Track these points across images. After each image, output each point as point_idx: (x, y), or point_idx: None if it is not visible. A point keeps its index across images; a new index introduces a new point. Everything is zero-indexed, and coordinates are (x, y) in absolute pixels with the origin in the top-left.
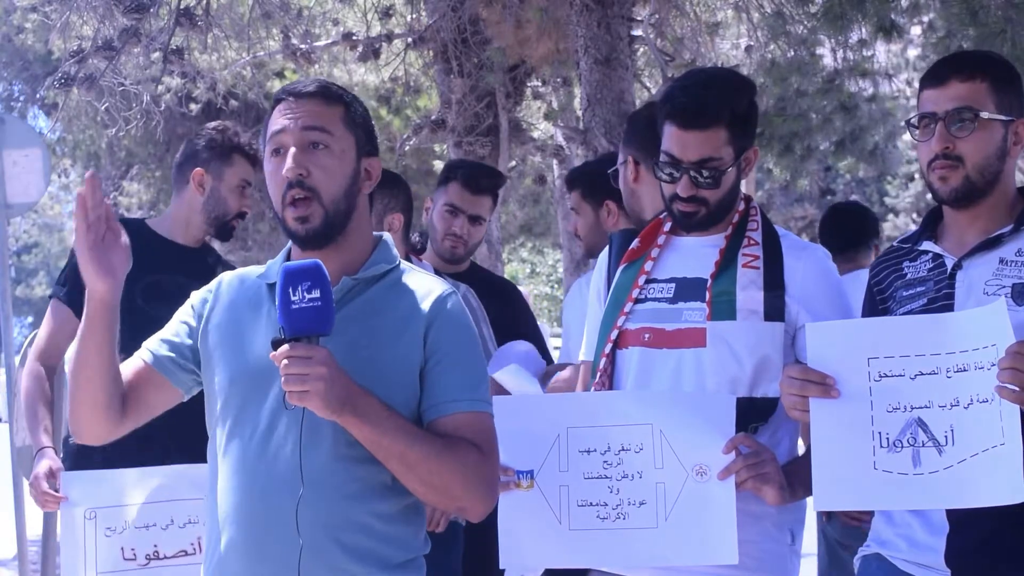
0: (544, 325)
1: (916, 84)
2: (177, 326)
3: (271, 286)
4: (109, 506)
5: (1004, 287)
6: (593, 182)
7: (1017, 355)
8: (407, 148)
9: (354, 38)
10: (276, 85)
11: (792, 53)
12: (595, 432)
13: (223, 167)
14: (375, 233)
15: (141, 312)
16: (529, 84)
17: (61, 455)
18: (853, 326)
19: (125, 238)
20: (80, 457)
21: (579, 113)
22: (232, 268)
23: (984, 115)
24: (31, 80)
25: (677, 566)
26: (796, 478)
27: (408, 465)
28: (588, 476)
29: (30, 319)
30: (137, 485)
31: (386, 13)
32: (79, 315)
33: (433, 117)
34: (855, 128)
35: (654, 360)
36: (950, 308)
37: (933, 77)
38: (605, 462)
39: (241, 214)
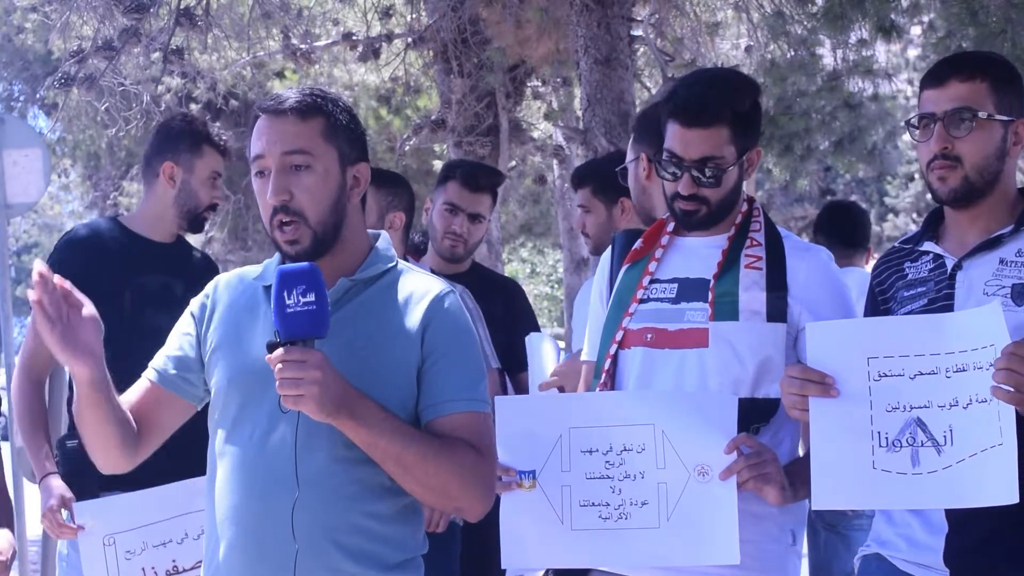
0: (544, 325)
1: (916, 84)
2: (180, 339)
3: (267, 288)
4: (125, 530)
5: (1004, 287)
6: (606, 179)
7: (1012, 356)
8: (407, 148)
9: (354, 38)
10: (276, 85)
11: (792, 53)
12: (597, 432)
13: (193, 159)
14: (372, 232)
15: (130, 317)
16: (529, 84)
17: (57, 457)
18: (853, 326)
19: (89, 308)
20: (78, 461)
21: (579, 113)
22: (208, 258)
23: (983, 115)
24: (31, 80)
25: (679, 566)
26: (798, 478)
27: (405, 467)
28: (590, 476)
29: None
30: (149, 505)
31: (386, 13)
32: None
33: (433, 117)
34: (855, 128)
35: (656, 360)
36: (950, 308)
37: (933, 77)
38: (607, 462)
39: (212, 206)
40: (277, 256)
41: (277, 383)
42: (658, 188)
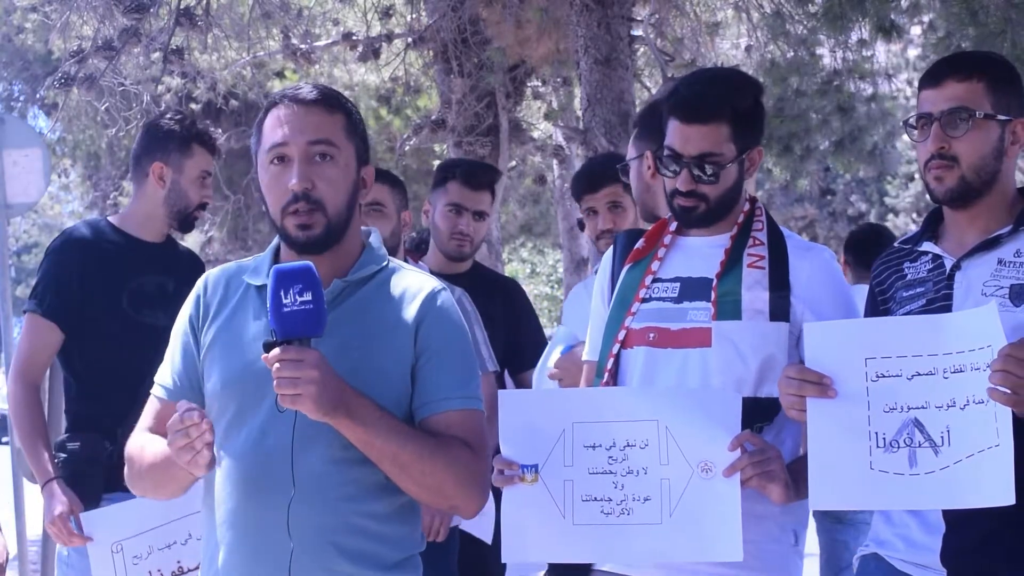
0: (544, 325)
1: (916, 84)
2: (180, 349)
3: (259, 288)
4: (132, 536)
5: (1002, 288)
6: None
7: (1008, 357)
8: (407, 148)
9: (354, 38)
10: (276, 85)
11: (792, 53)
12: (600, 428)
13: (183, 159)
14: (363, 229)
15: (129, 318)
16: (529, 84)
17: (57, 459)
18: (851, 326)
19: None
20: (80, 463)
21: (579, 113)
22: (192, 254)
23: (980, 115)
24: (31, 80)
25: (681, 563)
26: (801, 476)
27: (401, 466)
28: (593, 471)
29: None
30: (153, 510)
31: (386, 13)
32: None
33: (433, 117)
34: (854, 128)
35: (659, 360)
36: (948, 309)
37: (930, 77)
38: (610, 458)
39: (203, 205)
40: (268, 254)
41: (275, 383)
42: (662, 186)
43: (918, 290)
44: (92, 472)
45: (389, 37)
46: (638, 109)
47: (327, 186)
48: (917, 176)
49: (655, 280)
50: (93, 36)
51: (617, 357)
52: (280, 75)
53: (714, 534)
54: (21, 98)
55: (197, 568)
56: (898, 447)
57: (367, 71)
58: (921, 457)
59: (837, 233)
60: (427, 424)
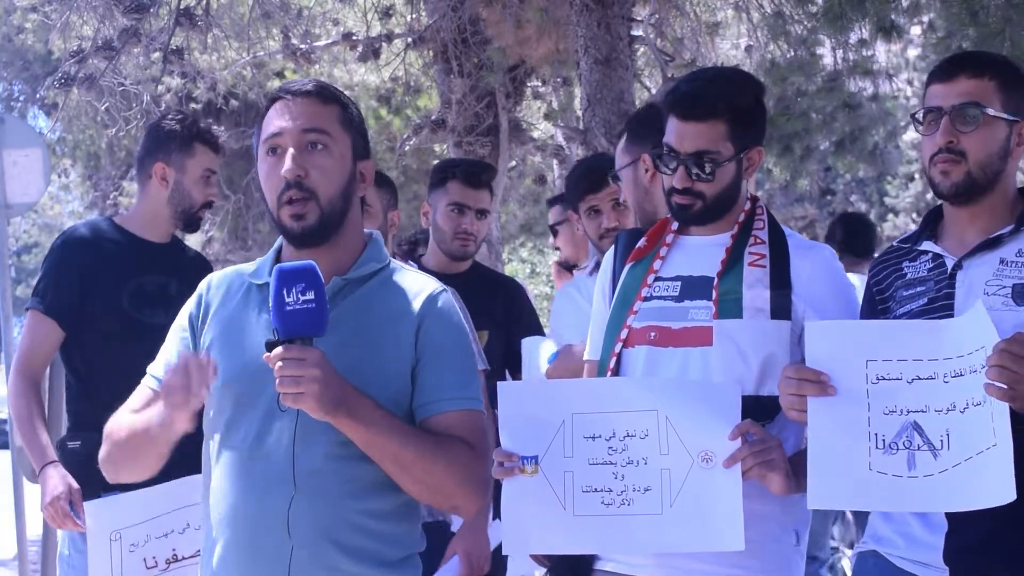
0: (545, 324)
1: (916, 84)
2: (177, 344)
3: (261, 287)
4: (131, 525)
5: (1005, 287)
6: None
7: (1004, 353)
8: (407, 148)
9: (354, 38)
10: (276, 85)
11: (792, 53)
12: (600, 418)
13: (185, 159)
14: (364, 231)
15: (129, 317)
16: (529, 84)
17: (57, 458)
18: (853, 327)
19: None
20: (80, 463)
21: (579, 113)
22: (201, 257)
23: (990, 112)
24: (31, 80)
25: (681, 558)
26: (801, 468)
27: (402, 465)
28: (593, 462)
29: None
30: (154, 501)
31: (386, 13)
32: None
33: (433, 117)
34: (855, 128)
35: (660, 358)
36: (950, 308)
37: (942, 72)
38: (610, 448)
39: (207, 204)
40: (270, 254)
41: (277, 381)
42: (660, 189)
43: (919, 289)
44: (92, 470)
45: (389, 37)
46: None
47: (320, 175)
48: (917, 176)
49: (656, 279)
50: (93, 36)
51: (619, 356)
52: (280, 75)
53: (715, 524)
54: (21, 98)
55: (192, 556)
56: (897, 449)
57: (367, 71)
58: (920, 460)
59: None
60: (427, 424)
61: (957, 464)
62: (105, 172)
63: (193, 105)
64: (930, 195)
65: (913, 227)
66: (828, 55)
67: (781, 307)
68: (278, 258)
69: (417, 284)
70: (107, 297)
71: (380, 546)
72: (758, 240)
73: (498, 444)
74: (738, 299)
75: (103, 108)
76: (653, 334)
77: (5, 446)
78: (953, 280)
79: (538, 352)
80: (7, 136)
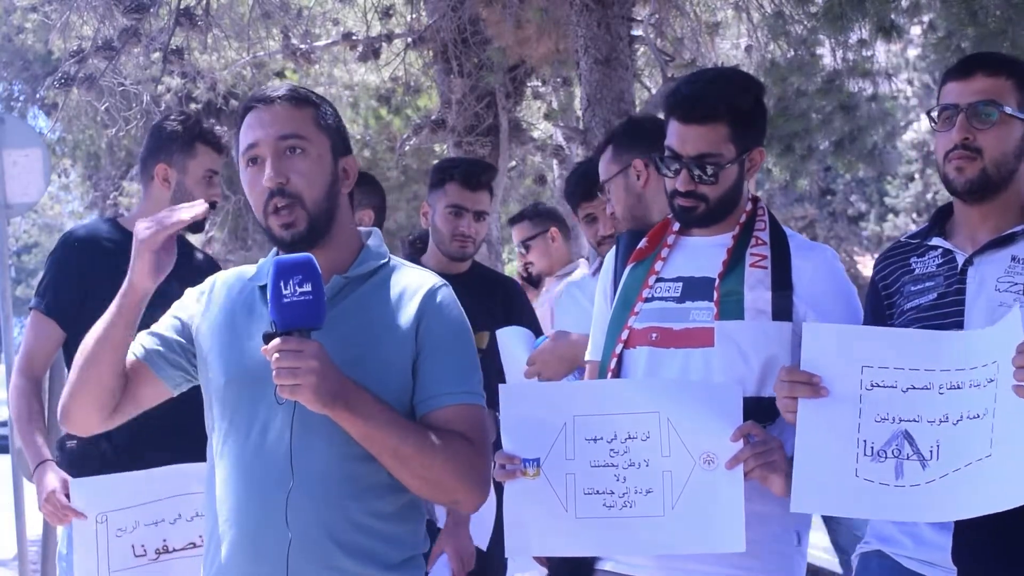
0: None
1: (916, 84)
2: (169, 321)
3: (263, 288)
4: (118, 509)
5: (1017, 284)
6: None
7: None
8: (407, 148)
9: (354, 38)
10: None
11: (792, 53)
12: (602, 420)
13: (186, 160)
14: (363, 229)
15: None
16: (529, 84)
17: (56, 458)
18: (850, 332)
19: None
20: (79, 462)
21: (579, 113)
22: (211, 259)
23: (1007, 110)
24: (31, 80)
25: (681, 558)
26: None
27: (401, 459)
28: (595, 464)
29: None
30: (144, 485)
31: (386, 13)
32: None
33: (433, 117)
34: (855, 128)
35: (662, 359)
36: (960, 304)
37: (958, 70)
38: (612, 450)
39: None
40: (271, 256)
41: (274, 373)
42: (654, 195)
43: (928, 284)
44: (89, 469)
45: (389, 37)
46: (638, 109)
47: (301, 179)
48: (917, 176)
49: (658, 280)
50: (93, 36)
51: (620, 357)
52: (280, 75)
53: (716, 525)
54: (21, 98)
55: (184, 549)
56: (885, 457)
57: (367, 71)
58: (908, 469)
59: (837, 233)
60: (428, 419)
61: (944, 475)
62: (105, 172)
63: (193, 105)
64: (930, 195)
65: (913, 227)
66: (828, 55)
67: (782, 308)
68: (278, 253)
69: (417, 280)
70: (107, 297)
71: (383, 547)
72: (759, 241)
73: (500, 446)
74: (739, 300)
75: (103, 108)
76: (654, 335)
77: (5, 449)
78: (964, 276)
79: (512, 342)
80: (7, 136)
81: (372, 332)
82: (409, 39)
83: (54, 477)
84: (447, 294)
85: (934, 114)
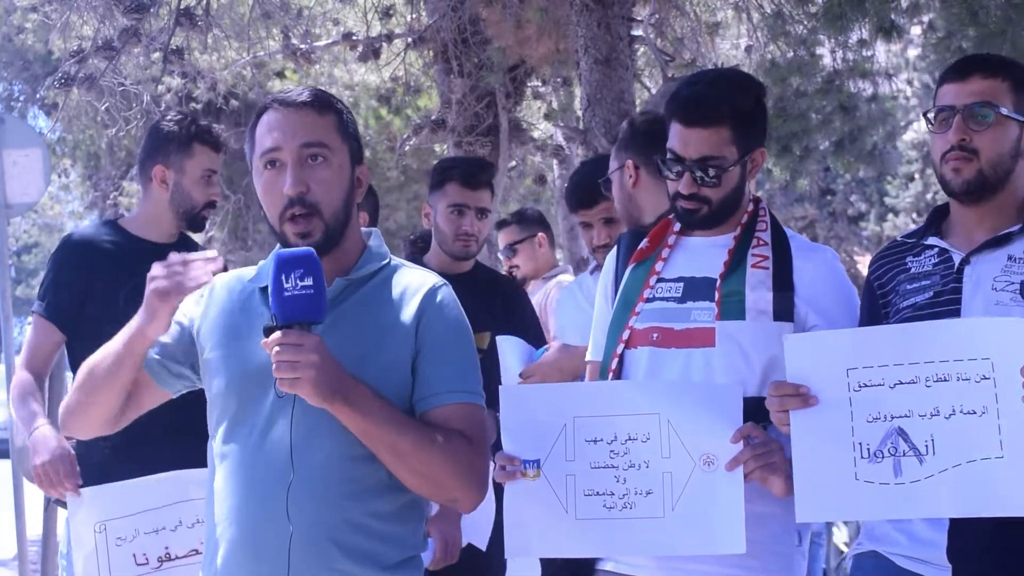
0: None
1: (916, 84)
2: (171, 329)
3: (263, 289)
4: (116, 517)
5: (1013, 283)
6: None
7: None
8: (407, 148)
9: (354, 38)
10: (276, 85)
11: (792, 53)
12: (602, 422)
13: (184, 160)
14: (363, 230)
15: (126, 316)
16: (529, 84)
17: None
18: (829, 337)
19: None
20: (82, 462)
21: (579, 113)
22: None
23: (1003, 111)
24: (31, 80)
25: (681, 558)
26: None
27: (399, 455)
28: (595, 466)
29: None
30: (141, 494)
31: (386, 13)
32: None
33: (433, 117)
34: (855, 128)
35: (663, 360)
36: (957, 302)
37: (955, 72)
38: (612, 451)
39: (210, 204)
40: (271, 257)
41: (274, 366)
42: (645, 196)
43: (924, 283)
44: (87, 470)
45: (389, 37)
46: (638, 109)
47: (322, 188)
48: (917, 176)
49: (659, 280)
50: (93, 36)
51: (621, 357)
52: (280, 75)
53: (717, 527)
54: (21, 98)
55: (187, 556)
56: (882, 457)
57: (367, 71)
58: (906, 466)
59: (837, 233)
60: (427, 417)
61: (944, 470)
62: (105, 172)
63: (193, 105)
64: (930, 195)
65: (914, 227)
66: (828, 55)
67: (784, 309)
68: None
69: (418, 280)
70: (106, 298)
71: (382, 547)
72: (761, 242)
73: (500, 447)
74: (741, 301)
75: (103, 108)
76: (656, 335)
77: (6, 454)
78: (961, 275)
79: (510, 353)
80: (7, 136)
81: (374, 332)
82: (409, 39)
83: (51, 443)
84: (447, 293)
85: (931, 115)
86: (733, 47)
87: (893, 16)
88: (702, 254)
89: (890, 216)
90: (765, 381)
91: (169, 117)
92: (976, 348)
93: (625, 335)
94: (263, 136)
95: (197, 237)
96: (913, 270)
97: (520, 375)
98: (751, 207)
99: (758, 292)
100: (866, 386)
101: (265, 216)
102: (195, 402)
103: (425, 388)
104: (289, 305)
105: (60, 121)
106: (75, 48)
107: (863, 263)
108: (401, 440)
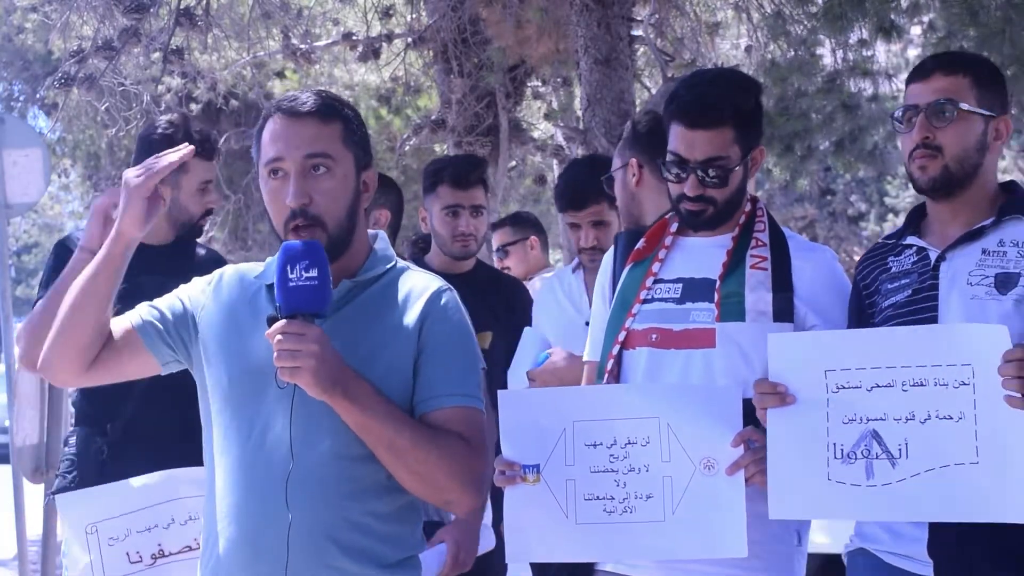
0: None
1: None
2: (172, 301)
3: (269, 287)
4: (108, 518)
5: (987, 277)
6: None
7: (1021, 363)
8: (407, 148)
9: (354, 38)
10: (276, 85)
11: (792, 53)
12: (601, 426)
13: (179, 175)
14: (369, 232)
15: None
16: (529, 84)
17: (61, 459)
18: (811, 339)
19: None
20: (81, 459)
21: (579, 113)
22: (214, 253)
23: (964, 107)
24: (31, 80)
25: (684, 563)
26: None
27: (397, 452)
28: (595, 470)
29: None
30: (131, 494)
31: (386, 13)
32: None
33: (433, 117)
34: (855, 128)
35: (662, 361)
36: (934, 299)
37: (918, 72)
38: (611, 456)
39: (208, 212)
40: (278, 255)
41: (275, 355)
42: (648, 195)
43: (903, 282)
44: (85, 467)
45: (389, 37)
46: (638, 109)
47: (325, 200)
48: None
49: (656, 281)
50: (93, 36)
51: (618, 358)
52: (280, 75)
53: (718, 531)
54: (21, 98)
55: (180, 552)
56: (855, 458)
57: (367, 71)
58: (878, 469)
59: (837, 233)
60: (426, 420)
61: (916, 474)
62: (105, 172)
63: (193, 105)
64: (911, 185)
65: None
66: (828, 55)
67: (783, 310)
68: None
69: (422, 283)
70: None
71: (380, 547)
72: (759, 242)
73: (499, 452)
74: (740, 302)
75: (103, 108)
76: (654, 336)
77: (6, 459)
78: (937, 271)
79: (529, 345)
80: (7, 136)
81: (378, 334)
82: (409, 39)
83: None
84: (451, 298)
85: (898, 115)
86: (733, 47)
87: (893, 16)
88: (700, 255)
89: (890, 216)
90: None
91: (160, 128)
92: (957, 354)
93: (621, 336)
94: (267, 144)
95: None
96: (894, 270)
97: (528, 374)
98: (748, 207)
99: (757, 293)
100: (844, 388)
101: (271, 225)
102: (195, 402)
103: (425, 390)
104: (293, 295)
105: (60, 121)
106: (75, 48)
107: None
108: (399, 437)
